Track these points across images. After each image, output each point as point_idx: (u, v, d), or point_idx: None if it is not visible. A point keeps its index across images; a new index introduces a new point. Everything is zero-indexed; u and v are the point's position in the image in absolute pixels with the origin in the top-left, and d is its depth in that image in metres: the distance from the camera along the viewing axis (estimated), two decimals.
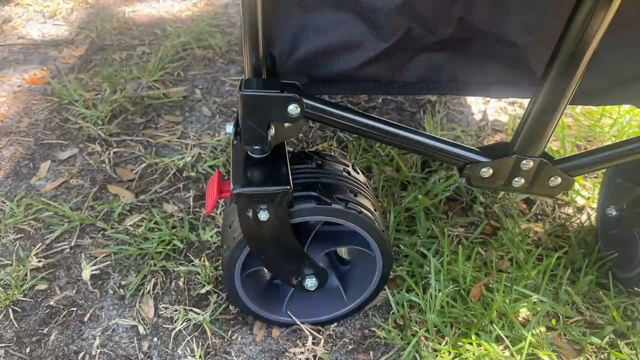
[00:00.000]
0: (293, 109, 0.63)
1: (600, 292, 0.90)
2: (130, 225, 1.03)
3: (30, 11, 1.92)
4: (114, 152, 1.22)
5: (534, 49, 0.62)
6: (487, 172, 0.70)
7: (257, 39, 0.59)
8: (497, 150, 0.70)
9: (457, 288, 0.88)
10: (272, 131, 0.64)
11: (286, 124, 0.65)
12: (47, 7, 1.94)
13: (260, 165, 0.69)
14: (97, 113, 1.32)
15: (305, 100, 0.63)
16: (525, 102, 1.42)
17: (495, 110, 1.42)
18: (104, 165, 1.18)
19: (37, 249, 0.98)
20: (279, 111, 0.63)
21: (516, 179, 0.70)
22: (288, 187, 0.66)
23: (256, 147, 0.67)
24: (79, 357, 0.81)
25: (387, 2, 0.58)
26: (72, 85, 1.42)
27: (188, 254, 0.97)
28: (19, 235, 1.01)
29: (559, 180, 0.70)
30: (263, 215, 0.67)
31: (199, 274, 0.92)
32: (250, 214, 0.67)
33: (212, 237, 1.00)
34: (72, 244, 0.99)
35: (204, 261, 0.94)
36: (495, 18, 0.60)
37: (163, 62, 1.56)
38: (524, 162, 0.68)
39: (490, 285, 0.89)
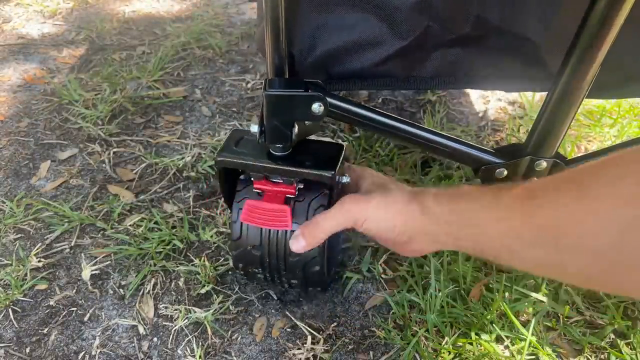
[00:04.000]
0: (317, 107, 0.63)
1: (601, 292, 0.90)
2: (130, 225, 1.03)
3: (30, 11, 1.92)
4: (114, 152, 1.22)
5: (548, 43, 0.62)
6: (502, 173, 0.70)
7: (280, 39, 0.59)
8: (512, 151, 0.71)
9: (457, 288, 0.88)
10: (295, 129, 0.65)
11: (307, 122, 0.65)
12: (47, 7, 1.94)
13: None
14: (97, 113, 1.32)
15: (328, 99, 0.63)
16: (525, 102, 1.42)
17: (495, 110, 1.41)
18: (104, 165, 1.19)
19: (37, 249, 0.98)
20: (303, 110, 0.63)
21: (530, 180, 0.71)
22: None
23: (279, 145, 0.68)
24: (79, 357, 0.81)
25: (406, 0, 0.58)
26: (72, 85, 1.42)
27: (188, 254, 0.97)
28: (19, 235, 1.01)
29: None
30: None
31: (199, 273, 0.92)
32: None
33: (212, 237, 1.00)
34: (72, 244, 0.99)
35: (204, 261, 0.94)
36: (511, 15, 0.60)
37: (163, 62, 1.56)
38: (538, 162, 0.68)
39: (490, 285, 0.89)
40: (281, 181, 0.71)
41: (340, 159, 0.70)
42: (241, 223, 0.74)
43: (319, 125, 0.68)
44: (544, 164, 0.68)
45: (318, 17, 0.61)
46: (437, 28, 0.61)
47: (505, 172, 0.70)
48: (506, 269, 0.94)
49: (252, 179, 0.73)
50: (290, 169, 0.68)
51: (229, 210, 0.86)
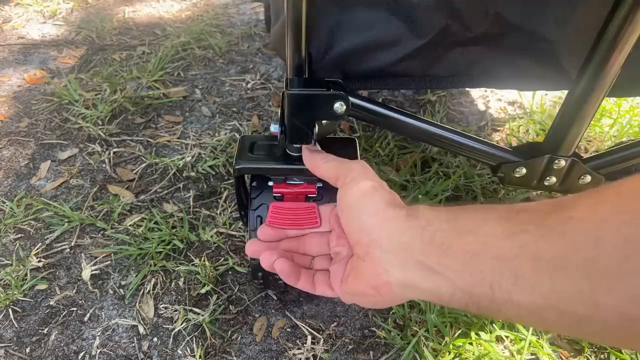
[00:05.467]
0: (339, 106, 0.63)
1: None
2: (130, 225, 1.03)
3: (30, 11, 1.92)
4: (114, 152, 1.22)
5: (566, 43, 0.62)
6: (520, 171, 0.71)
7: (300, 39, 0.59)
8: (530, 149, 0.71)
9: None
10: (316, 129, 0.65)
11: (324, 121, 0.66)
12: (47, 7, 1.94)
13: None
14: (97, 113, 1.32)
15: (349, 98, 0.63)
16: (526, 102, 1.43)
17: (495, 110, 1.42)
18: (104, 165, 1.19)
19: (37, 249, 0.98)
20: (325, 109, 0.63)
21: (548, 178, 0.71)
22: None
23: (297, 145, 0.68)
24: (79, 357, 0.81)
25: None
26: (72, 85, 1.42)
27: (188, 254, 0.97)
28: (19, 235, 1.01)
29: (589, 178, 0.71)
30: None
31: (199, 273, 0.93)
32: None
33: (212, 237, 1.00)
34: (72, 244, 0.99)
35: (204, 261, 0.94)
36: (530, 14, 0.60)
37: (163, 62, 1.56)
38: (556, 161, 0.69)
39: None
40: (299, 182, 0.72)
41: (358, 153, 0.71)
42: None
43: (336, 124, 0.67)
44: (562, 162, 0.69)
45: (337, 16, 0.61)
46: (455, 26, 0.61)
47: (524, 170, 0.71)
48: None
49: (270, 183, 0.73)
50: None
51: (240, 218, 0.86)
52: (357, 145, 0.73)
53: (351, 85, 0.68)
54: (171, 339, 0.84)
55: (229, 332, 0.85)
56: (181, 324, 0.85)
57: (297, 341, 0.84)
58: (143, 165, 1.18)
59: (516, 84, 0.70)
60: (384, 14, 0.60)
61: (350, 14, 0.61)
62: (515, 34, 0.63)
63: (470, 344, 0.81)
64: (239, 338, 0.84)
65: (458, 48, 0.65)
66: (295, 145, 0.69)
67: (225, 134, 1.28)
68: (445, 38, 0.62)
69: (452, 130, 0.70)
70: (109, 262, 0.96)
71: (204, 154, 1.21)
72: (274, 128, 0.68)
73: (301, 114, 0.64)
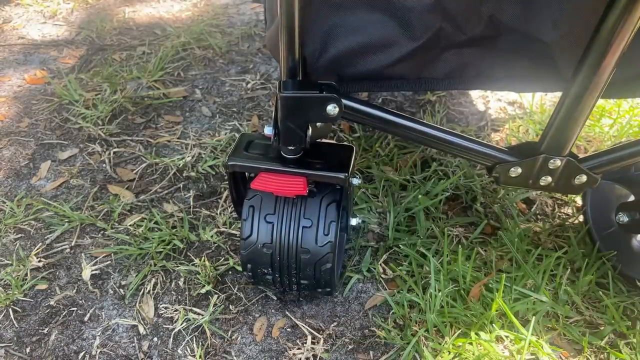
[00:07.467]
0: (332, 108, 0.64)
1: (600, 292, 0.90)
2: (130, 225, 1.03)
3: (30, 11, 1.92)
4: (114, 152, 1.22)
5: (559, 44, 0.63)
6: (515, 171, 0.71)
7: (293, 41, 0.60)
8: (526, 150, 0.72)
9: (457, 288, 0.88)
10: (309, 131, 0.65)
11: (318, 124, 0.66)
12: (47, 7, 1.94)
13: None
14: (97, 113, 1.32)
15: (343, 101, 0.63)
16: (526, 102, 1.43)
17: (495, 110, 1.42)
18: (104, 165, 1.19)
19: (37, 249, 0.98)
20: (318, 111, 0.64)
21: (543, 177, 0.71)
22: None
23: (291, 147, 0.68)
24: (79, 357, 0.81)
25: (419, 2, 0.59)
26: (72, 85, 1.42)
27: (188, 254, 0.98)
28: (19, 235, 1.01)
29: (585, 178, 0.71)
30: None
31: (199, 273, 0.93)
32: None
33: (212, 237, 1.00)
34: (72, 244, 0.99)
35: (204, 261, 0.94)
36: (524, 15, 0.61)
37: (163, 62, 1.56)
38: (552, 161, 0.69)
39: (490, 285, 0.89)
40: None
41: (352, 161, 0.71)
42: (252, 221, 0.74)
43: (330, 126, 0.68)
44: (557, 162, 0.69)
45: (331, 19, 0.61)
46: (449, 29, 0.62)
47: (520, 170, 0.71)
48: (506, 269, 0.94)
49: None
50: (303, 171, 0.69)
51: (236, 213, 0.86)
52: (355, 153, 0.73)
53: (346, 87, 0.68)
54: (171, 339, 0.84)
55: (229, 332, 0.85)
56: (181, 324, 0.85)
57: (297, 341, 0.84)
58: (143, 165, 1.18)
59: (511, 85, 0.70)
60: (378, 16, 0.60)
61: (344, 17, 0.61)
62: (509, 35, 0.63)
63: (470, 344, 0.81)
64: (239, 338, 0.84)
65: (452, 50, 0.65)
66: (289, 147, 0.69)
67: (225, 134, 1.28)
68: (439, 40, 0.62)
69: (445, 131, 0.70)
70: (109, 262, 0.96)
71: (204, 154, 1.22)
72: (268, 130, 0.68)
73: (294, 117, 0.64)
